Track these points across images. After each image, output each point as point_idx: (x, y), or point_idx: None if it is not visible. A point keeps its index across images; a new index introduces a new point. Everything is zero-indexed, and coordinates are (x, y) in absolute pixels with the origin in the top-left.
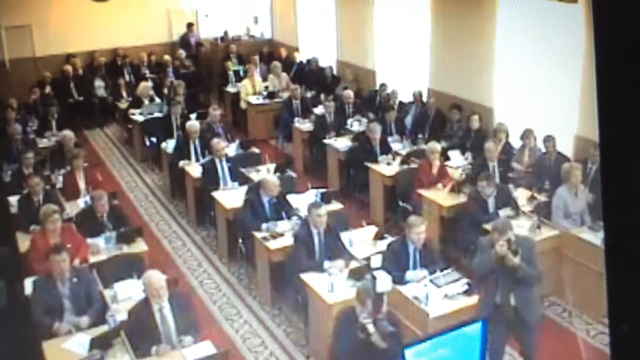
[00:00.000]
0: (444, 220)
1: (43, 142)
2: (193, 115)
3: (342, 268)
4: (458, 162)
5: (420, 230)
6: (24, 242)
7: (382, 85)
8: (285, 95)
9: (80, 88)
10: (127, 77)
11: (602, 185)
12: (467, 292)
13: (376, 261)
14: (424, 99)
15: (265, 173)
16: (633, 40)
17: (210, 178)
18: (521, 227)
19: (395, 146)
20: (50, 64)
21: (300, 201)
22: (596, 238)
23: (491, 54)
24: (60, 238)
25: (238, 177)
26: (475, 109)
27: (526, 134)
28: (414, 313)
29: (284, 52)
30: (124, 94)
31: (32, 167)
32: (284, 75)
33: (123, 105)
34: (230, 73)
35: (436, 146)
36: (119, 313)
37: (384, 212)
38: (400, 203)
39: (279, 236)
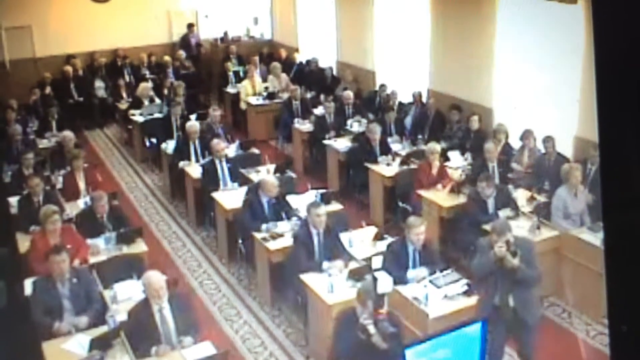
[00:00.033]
0: (444, 220)
1: (43, 143)
2: (193, 116)
3: (342, 268)
4: (458, 162)
5: (419, 230)
6: (24, 243)
7: (382, 85)
8: (285, 96)
9: (80, 89)
10: (127, 78)
11: (602, 186)
12: (466, 293)
13: (377, 262)
14: (424, 99)
15: (265, 174)
16: (633, 41)
17: (210, 179)
18: (521, 227)
19: (395, 147)
20: (50, 65)
21: (300, 202)
22: (596, 239)
23: (491, 55)
24: (60, 239)
25: (238, 178)
26: (475, 110)
27: (526, 135)
28: (414, 314)
29: (283, 53)
30: (124, 94)
31: (32, 168)
32: (284, 76)
33: (123, 105)
34: (230, 74)
35: (436, 147)
36: (119, 314)
37: (383, 213)
38: (400, 204)
39: (279, 237)
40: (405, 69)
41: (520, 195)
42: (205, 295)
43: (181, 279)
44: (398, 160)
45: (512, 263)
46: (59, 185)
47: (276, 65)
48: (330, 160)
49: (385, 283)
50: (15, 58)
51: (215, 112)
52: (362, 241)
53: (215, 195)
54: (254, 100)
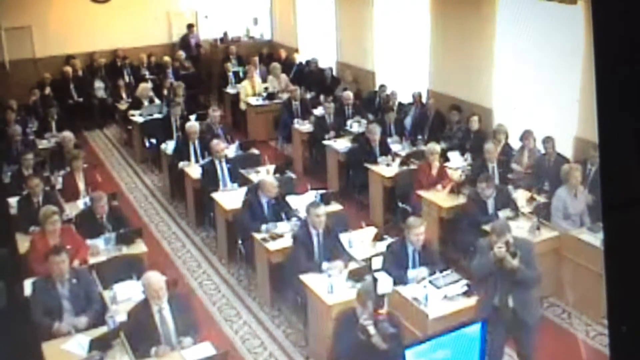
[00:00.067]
0: (444, 221)
1: (43, 143)
2: (193, 117)
3: (341, 269)
4: (457, 163)
5: (419, 231)
6: (23, 243)
7: (382, 86)
8: (285, 96)
9: (80, 89)
10: (126, 78)
11: (602, 187)
12: (466, 293)
13: (377, 262)
14: (424, 100)
15: (265, 174)
16: (632, 41)
17: (210, 179)
18: (520, 228)
19: (395, 147)
20: (50, 65)
21: (300, 202)
22: (595, 239)
23: (491, 55)
24: (60, 239)
25: (238, 178)
26: (475, 110)
27: (526, 135)
28: (414, 314)
29: (283, 53)
30: (124, 95)
31: (31, 168)
32: (284, 76)
33: (123, 106)
34: (230, 74)
35: (435, 147)
36: (119, 314)
37: (383, 213)
38: (400, 204)
39: (279, 237)
40: (405, 70)
41: (520, 196)
42: (205, 296)
43: (181, 280)
44: (398, 160)
45: (511, 264)
46: (58, 186)
47: (276, 65)
48: (330, 161)
49: (385, 283)
50: (15, 58)
51: (215, 113)
52: (362, 242)
53: (214, 195)
54: (253, 101)
